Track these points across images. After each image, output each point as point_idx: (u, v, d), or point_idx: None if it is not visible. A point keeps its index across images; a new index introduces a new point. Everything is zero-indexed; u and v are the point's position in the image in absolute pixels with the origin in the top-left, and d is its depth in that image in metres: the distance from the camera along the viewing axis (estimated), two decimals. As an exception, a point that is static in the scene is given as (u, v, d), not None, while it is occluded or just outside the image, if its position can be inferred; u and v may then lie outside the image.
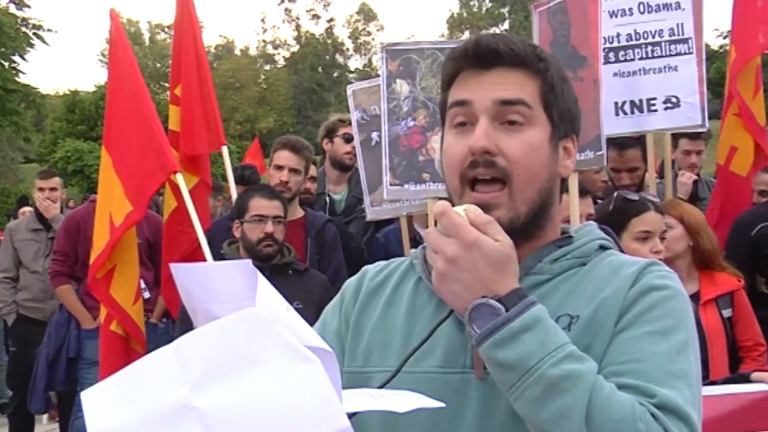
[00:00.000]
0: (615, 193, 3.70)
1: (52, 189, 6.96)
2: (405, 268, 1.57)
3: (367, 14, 76.66)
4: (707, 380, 3.21)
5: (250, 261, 1.05)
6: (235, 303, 0.99)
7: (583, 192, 3.79)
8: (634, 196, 3.47)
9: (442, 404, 1.21)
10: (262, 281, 1.01)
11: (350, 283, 1.60)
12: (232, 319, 0.96)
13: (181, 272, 1.08)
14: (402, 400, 1.19)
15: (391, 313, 1.50)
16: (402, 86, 4.29)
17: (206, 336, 0.97)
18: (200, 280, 1.07)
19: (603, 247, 1.49)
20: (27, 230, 6.89)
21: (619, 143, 4.73)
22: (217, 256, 4.35)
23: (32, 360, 5.92)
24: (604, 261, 1.45)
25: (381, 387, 1.32)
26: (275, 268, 4.03)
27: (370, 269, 1.61)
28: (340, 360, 1.44)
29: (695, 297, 3.67)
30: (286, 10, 74.88)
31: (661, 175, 5.16)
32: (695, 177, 5.45)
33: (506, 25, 65.90)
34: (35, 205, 7.17)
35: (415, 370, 1.36)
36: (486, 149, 1.36)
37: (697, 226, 3.81)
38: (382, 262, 1.62)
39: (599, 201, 5.22)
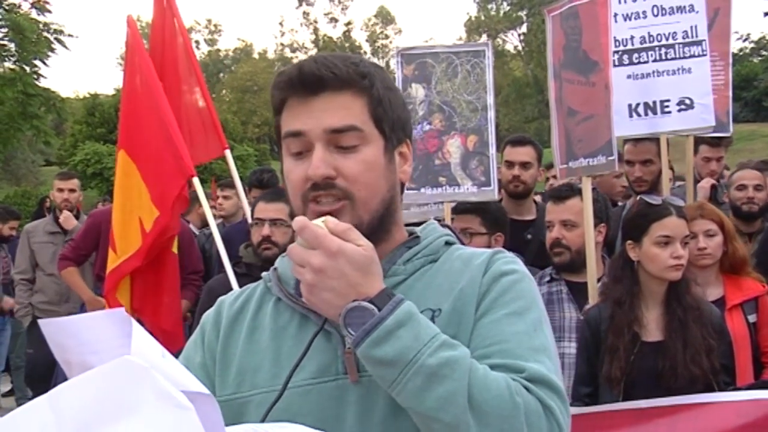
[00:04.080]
0: (638, 197, 3.68)
1: (71, 190, 7.02)
2: (261, 292, 1.61)
3: (384, 18, 76.78)
4: (732, 387, 3.18)
5: (123, 309, 1.04)
6: (111, 352, 0.98)
7: (560, 198, 3.81)
8: (657, 201, 3.45)
9: None
10: (137, 328, 1.00)
11: (208, 315, 1.63)
12: (107, 368, 0.94)
13: (50, 327, 1.05)
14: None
15: (256, 337, 1.53)
16: (417, 90, 4.30)
17: (81, 386, 0.94)
18: (72, 332, 1.04)
19: (448, 243, 1.58)
20: (44, 233, 6.94)
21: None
22: (235, 258, 4.37)
23: (48, 362, 5.95)
24: (454, 255, 1.54)
25: (270, 407, 1.37)
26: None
27: (226, 299, 1.64)
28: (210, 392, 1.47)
29: (720, 302, 3.62)
30: (304, 13, 75.20)
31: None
32: (713, 181, 5.42)
33: (524, 29, 65.70)
34: (53, 208, 7.22)
35: (290, 386, 1.39)
36: (325, 176, 1.42)
37: (733, 232, 3.79)
38: (237, 290, 1.66)
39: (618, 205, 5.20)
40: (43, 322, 1.05)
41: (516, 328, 1.38)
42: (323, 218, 1.34)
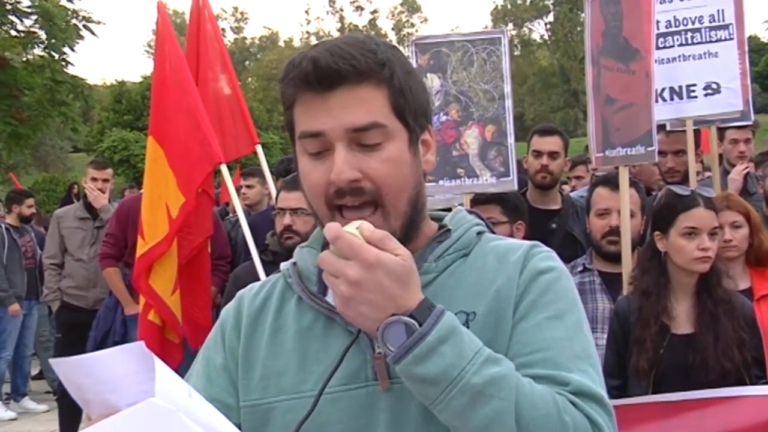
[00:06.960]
0: (666, 188, 3.64)
1: (105, 180, 7.05)
2: (282, 287, 1.51)
3: (410, 6, 76.48)
4: (763, 380, 3.14)
5: (143, 343, 0.99)
6: (131, 389, 0.95)
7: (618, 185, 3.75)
8: (685, 191, 3.40)
9: None
10: (160, 366, 0.97)
11: (228, 312, 1.54)
12: (132, 413, 0.91)
13: (65, 366, 1.01)
14: None
15: (279, 339, 1.45)
16: (433, 80, 4.21)
17: (105, 430, 0.92)
18: (89, 371, 1.00)
19: (479, 233, 1.49)
20: (74, 218, 7.00)
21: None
22: (261, 246, 4.39)
23: (77, 346, 6.03)
24: (487, 248, 1.45)
25: (305, 418, 1.30)
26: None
27: (245, 294, 1.55)
28: (233, 395, 1.44)
29: (748, 293, 3.58)
30: (330, 1, 75.10)
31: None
32: (746, 170, 5.29)
33: (550, 17, 65.09)
34: (84, 194, 7.28)
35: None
36: (350, 180, 1.32)
37: (759, 224, 3.75)
38: (257, 284, 1.57)
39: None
40: (55, 362, 1.01)
41: (557, 334, 1.32)
42: (357, 223, 1.25)
